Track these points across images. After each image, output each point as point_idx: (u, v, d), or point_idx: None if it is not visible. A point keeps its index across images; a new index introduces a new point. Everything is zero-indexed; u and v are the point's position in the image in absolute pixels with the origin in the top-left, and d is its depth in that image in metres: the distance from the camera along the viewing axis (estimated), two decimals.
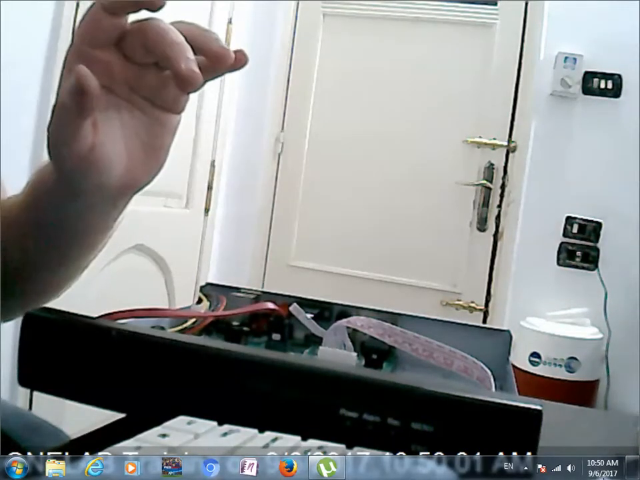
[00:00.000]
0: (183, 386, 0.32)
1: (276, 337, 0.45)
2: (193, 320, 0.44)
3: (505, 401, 0.29)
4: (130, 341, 0.32)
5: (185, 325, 0.43)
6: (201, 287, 0.51)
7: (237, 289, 0.51)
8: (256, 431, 0.29)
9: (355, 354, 0.43)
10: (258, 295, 0.50)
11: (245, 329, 0.46)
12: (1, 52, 1.22)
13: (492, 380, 0.37)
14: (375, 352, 0.44)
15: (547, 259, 2.16)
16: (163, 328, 0.42)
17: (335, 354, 0.42)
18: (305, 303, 0.48)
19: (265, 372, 0.31)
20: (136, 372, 0.32)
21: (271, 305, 0.45)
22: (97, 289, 1.51)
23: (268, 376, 0.31)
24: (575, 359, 1.93)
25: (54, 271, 0.45)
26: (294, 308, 0.46)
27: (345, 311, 0.48)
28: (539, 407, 0.28)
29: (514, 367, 1.92)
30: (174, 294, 2.00)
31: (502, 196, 2.28)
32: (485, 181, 2.30)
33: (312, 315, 0.47)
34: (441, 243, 2.35)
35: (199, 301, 0.49)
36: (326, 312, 0.48)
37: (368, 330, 0.42)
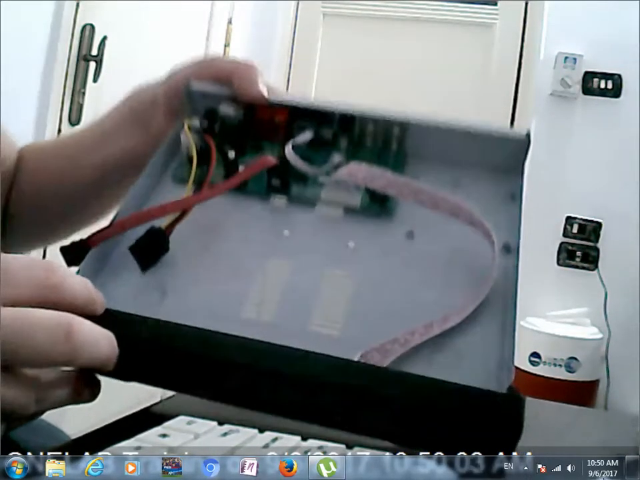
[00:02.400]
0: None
1: (275, 182, 0.41)
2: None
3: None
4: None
5: (174, 217, 0.38)
6: (186, 92, 0.45)
7: (225, 95, 0.44)
8: (256, 431, 0.29)
9: (360, 194, 0.40)
10: (252, 104, 0.44)
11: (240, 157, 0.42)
12: (1, 52, 1.22)
13: (495, 241, 0.36)
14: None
15: (547, 259, 2.16)
16: (161, 230, 0.37)
17: (340, 194, 0.40)
18: (301, 112, 0.44)
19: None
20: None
21: (271, 160, 0.41)
22: None
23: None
24: (575, 359, 1.93)
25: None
26: (289, 154, 0.42)
27: (347, 120, 0.44)
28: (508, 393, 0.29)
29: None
30: None
31: None
32: None
33: (312, 135, 0.43)
34: None
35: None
36: (326, 128, 0.44)
37: (371, 183, 0.40)
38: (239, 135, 0.44)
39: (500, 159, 0.42)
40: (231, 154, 0.42)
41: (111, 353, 0.30)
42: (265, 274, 0.37)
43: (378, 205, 0.40)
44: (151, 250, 0.37)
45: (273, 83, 0.47)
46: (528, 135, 0.42)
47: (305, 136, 0.43)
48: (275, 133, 0.44)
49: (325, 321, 0.35)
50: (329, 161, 0.42)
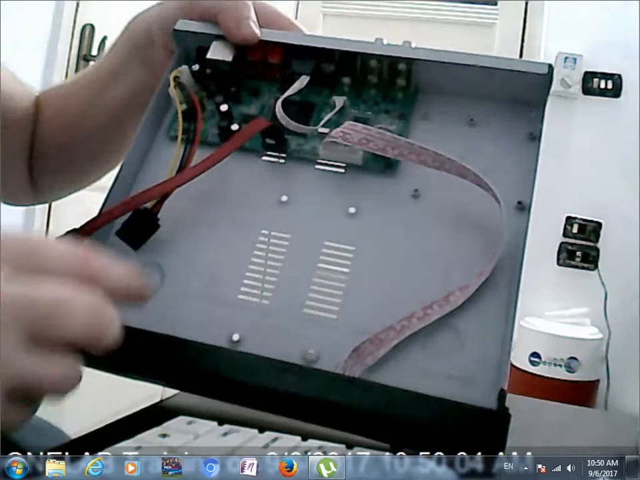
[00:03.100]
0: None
1: (270, 141, 0.38)
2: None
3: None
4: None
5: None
6: (173, 33, 0.41)
7: (214, 36, 0.41)
8: (256, 431, 0.29)
9: (361, 152, 0.37)
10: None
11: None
12: (1, 52, 1.22)
13: (503, 209, 0.34)
14: None
15: (546, 259, 2.16)
16: (147, 210, 0.36)
17: (339, 151, 0.37)
18: (298, 51, 0.40)
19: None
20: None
21: (264, 122, 0.38)
22: None
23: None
24: (575, 359, 1.93)
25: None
26: (279, 113, 0.38)
27: (349, 58, 0.39)
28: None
29: (514, 366, 1.90)
30: None
31: None
32: None
33: (307, 80, 0.39)
34: None
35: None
36: (325, 67, 0.40)
37: (367, 146, 0.36)
38: (232, 80, 0.40)
39: (519, 95, 0.39)
40: (224, 107, 0.39)
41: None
42: (262, 250, 0.36)
43: (381, 160, 0.37)
44: (139, 231, 0.36)
45: (279, 11, 0.42)
46: (550, 68, 0.38)
47: (301, 81, 0.40)
48: (270, 75, 0.41)
49: (321, 303, 0.34)
50: (330, 104, 0.39)
